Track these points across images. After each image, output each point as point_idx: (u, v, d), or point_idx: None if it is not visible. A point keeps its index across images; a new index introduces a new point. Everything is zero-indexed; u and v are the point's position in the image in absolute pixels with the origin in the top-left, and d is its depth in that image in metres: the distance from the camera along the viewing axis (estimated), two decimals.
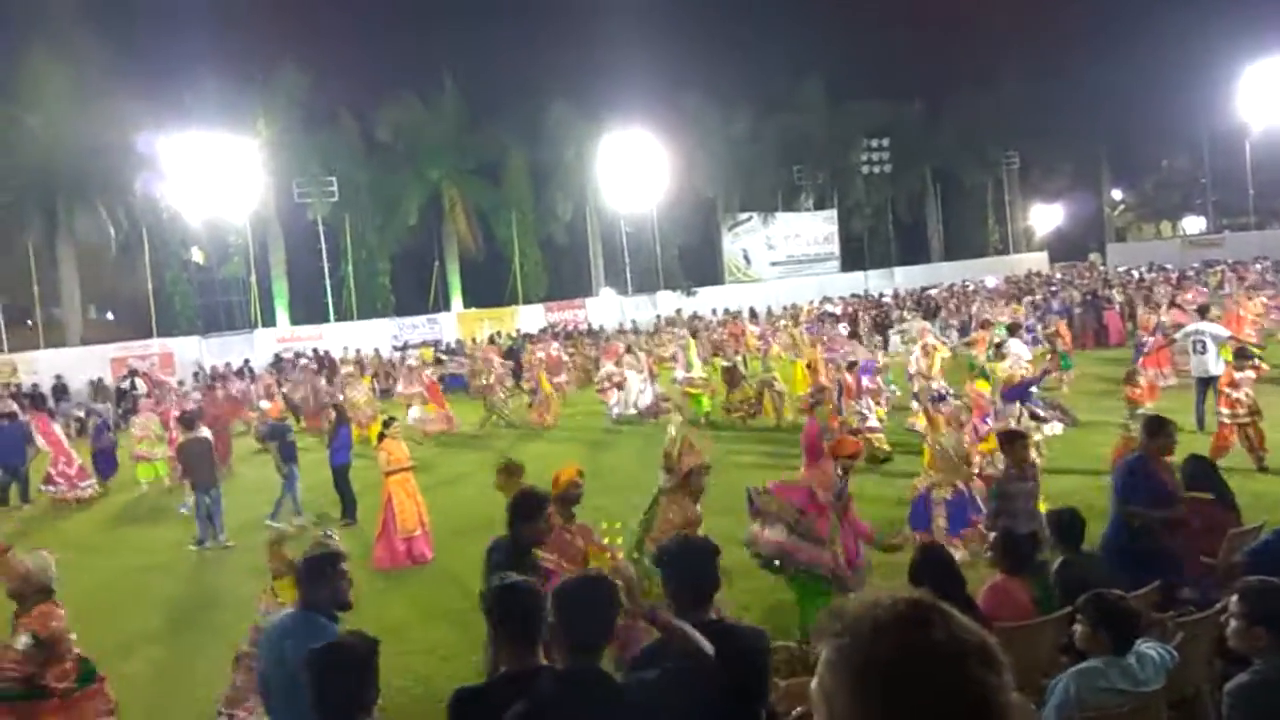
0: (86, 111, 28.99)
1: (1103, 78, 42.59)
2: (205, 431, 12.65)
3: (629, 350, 21.23)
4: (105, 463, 16.89)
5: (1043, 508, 7.10)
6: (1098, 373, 18.83)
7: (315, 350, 31.23)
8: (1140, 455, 6.34)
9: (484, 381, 20.07)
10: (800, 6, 46.23)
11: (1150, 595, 5.14)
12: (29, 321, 33.18)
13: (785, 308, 35.33)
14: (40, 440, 15.62)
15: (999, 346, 14.92)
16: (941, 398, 13.78)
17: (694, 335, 22.62)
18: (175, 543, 12.00)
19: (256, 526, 12.59)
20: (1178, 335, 15.56)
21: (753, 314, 35.03)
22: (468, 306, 38.61)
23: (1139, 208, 57.99)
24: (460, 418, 19.43)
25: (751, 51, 42.95)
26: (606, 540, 6.31)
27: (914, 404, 13.94)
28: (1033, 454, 8.70)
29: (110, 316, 41.47)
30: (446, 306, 38.88)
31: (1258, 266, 31.54)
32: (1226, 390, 10.92)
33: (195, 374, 28.14)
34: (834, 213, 46.77)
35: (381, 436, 10.92)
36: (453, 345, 32.87)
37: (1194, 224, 53.83)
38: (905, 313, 28.80)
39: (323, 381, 22.58)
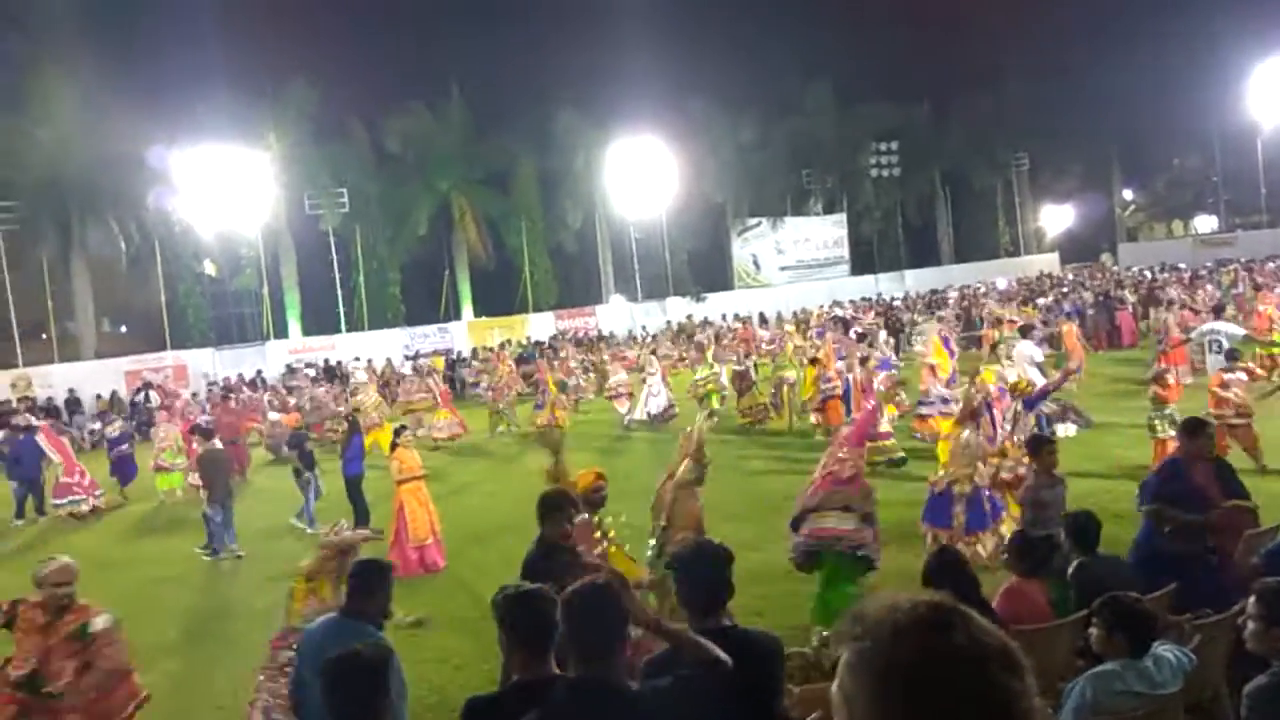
0: (98, 126, 29.24)
1: (1112, 77, 42.44)
2: (217, 443, 12.75)
3: (653, 353, 21.37)
4: (126, 469, 17.06)
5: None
6: (1111, 374, 18.74)
7: (326, 361, 31.39)
8: (1175, 458, 6.23)
9: (491, 384, 20.20)
10: (807, 10, 46.31)
11: (1165, 598, 5.10)
12: (43, 335, 33.43)
13: (795, 313, 35.28)
14: (50, 452, 15.73)
15: (994, 347, 14.88)
16: (945, 402, 13.73)
17: (717, 339, 22.59)
18: (191, 554, 12.05)
19: (270, 535, 12.67)
20: (1193, 334, 15.50)
21: (762, 319, 35.00)
22: (478, 315, 38.72)
23: (1150, 207, 57.69)
24: (470, 425, 19.51)
25: (759, 56, 42.99)
26: (612, 534, 6.37)
27: (921, 409, 13.87)
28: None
29: (124, 330, 41.74)
30: (457, 315, 39.00)
31: (1271, 265, 31.32)
32: (1216, 390, 10.84)
33: (208, 386, 28.26)
34: (843, 216, 46.71)
35: (394, 445, 10.95)
36: (463, 354, 32.96)
37: (1206, 223, 53.54)
38: (916, 315, 28.71)
39: (321, 390, 22.72)
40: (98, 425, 24.80)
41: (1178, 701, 3.98)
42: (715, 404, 17.83)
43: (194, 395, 26.48)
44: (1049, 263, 48.52)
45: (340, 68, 35.54)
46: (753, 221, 44.21)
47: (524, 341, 33.89)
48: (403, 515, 10.31)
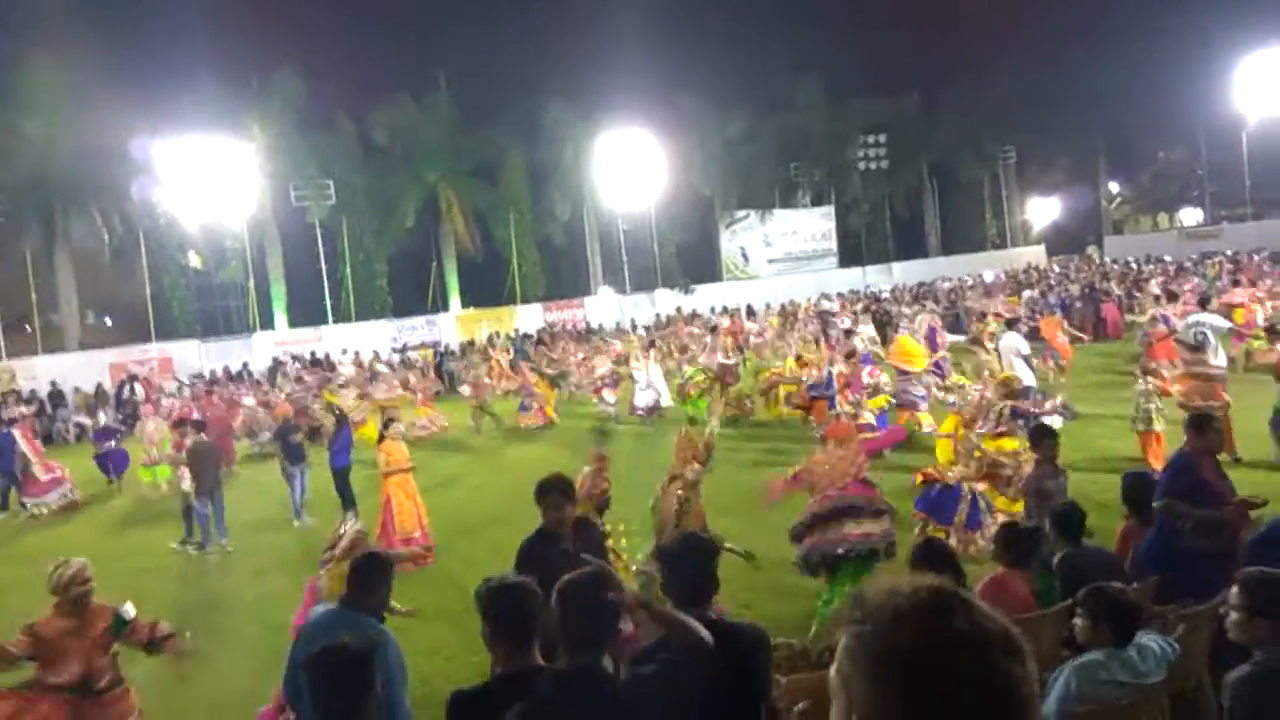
0: (82, 117, 28.96)
1: (1098, 71, 42.59)
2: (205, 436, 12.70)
3: (653, 344, 21.35)
4: (117, 461, 17.02)
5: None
6: (1096, 365, 18.85)
7: (313, 353, 31.25)
8: (1184, 452, 6.15)
9: (472, 380, 20.13)
10: (796, 5, 46.23)
11: (1147, 589, 5.13)
12: (27, 328, 33.16)
13: (784, 304, 35.33)
14: (25, 448, 15.64)
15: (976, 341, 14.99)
16: (923, 397, 13.79)
17: (713, 330, 22.54)
18: (176, 548, 12.01)
19: (257, 528, 12.64)
20: (1179, 326, 15.57)
21: (749, 311, 35.02)
22: (466, 307, 38.58)
23: (1136, 200, 57.99)
24: (451, 420, 19.45)
25: (748, 50, 42.92)
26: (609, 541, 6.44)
27: (921, 403, 13.92)
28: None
29: (108, 322, 41.45)
30: (445, 307, 38.86)
31: (1256, 257, 31.52)
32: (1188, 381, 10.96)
33: (191, 379, 28.04)
34: (831, 209, 46.72)
35: (381, 438, 10.92)
36: (451, 347, 32.86)
37: (1191, 216, 53.85)
38: (904, 307, 28.78)
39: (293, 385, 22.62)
40: (83, 419, 24.72)
41: (1161, 691, 4.01)
42: (703, 408, 17.75)
43: (178, 388, 26.28)
44: (1035, 255, 48.71)
45: (326, 59, 35.32)
46: (741, 214, 44.19)
47: (512, 334, 33.81)
48: (389, 508, 10.30)
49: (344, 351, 30.37)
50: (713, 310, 36.64)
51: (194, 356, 31.16)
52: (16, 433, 15.87)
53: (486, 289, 39.40)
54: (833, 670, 1.22)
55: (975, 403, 9.56)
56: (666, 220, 41.45)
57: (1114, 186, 55.86)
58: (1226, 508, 5.78)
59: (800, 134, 43.61)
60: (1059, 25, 43.91)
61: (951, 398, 11.41)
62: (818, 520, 6.82)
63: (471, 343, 32.33)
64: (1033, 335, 19.31)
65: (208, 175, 31.50)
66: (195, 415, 15.88)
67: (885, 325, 23.95)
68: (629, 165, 38.31)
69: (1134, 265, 34.80)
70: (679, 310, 36.78)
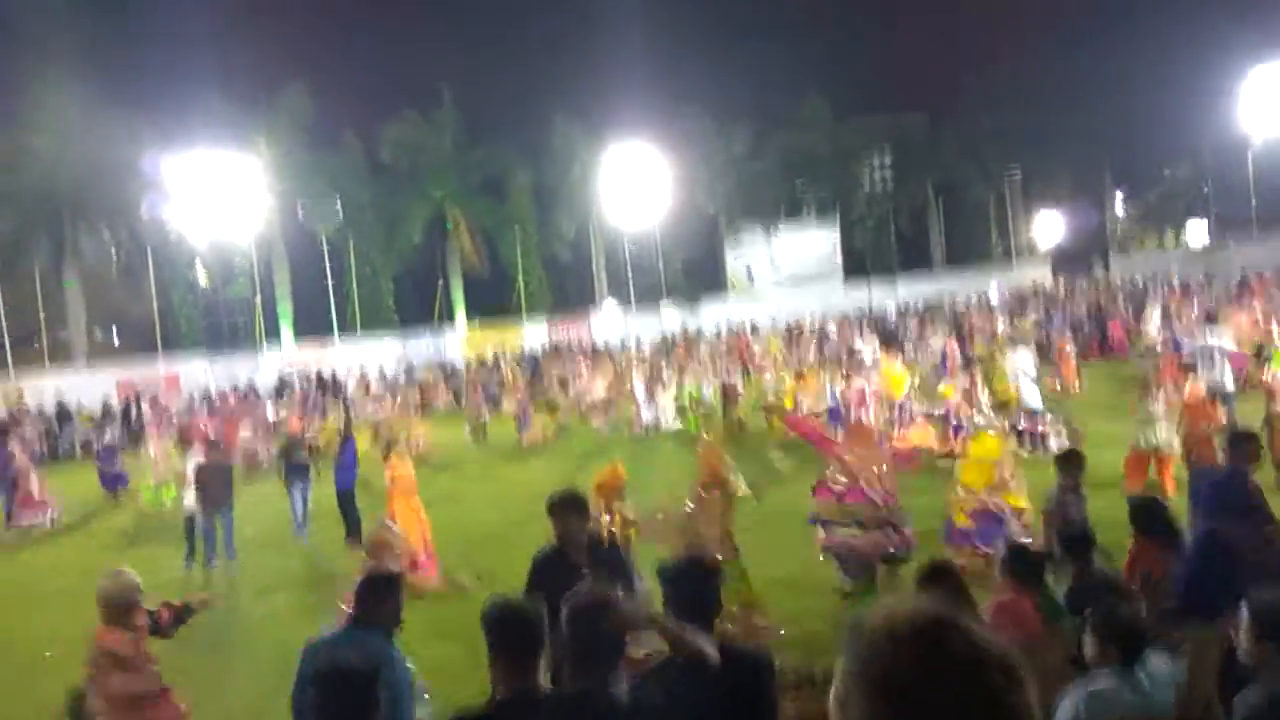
0: (92, 134, 29.20)
1: (1103, 89, 42.66)
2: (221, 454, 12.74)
3: (664, 365, 21.42)
4: (115, 479, 17.06)
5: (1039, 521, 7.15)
6: (1102, 384, 18.77)
7: (319, 370, 31.31)
8: (1235, 468, 6.08)
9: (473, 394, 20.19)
10: (801, 22, 46.50)
11: (1163, 610, 5.09)
12: (35, 344, 33.29)
13: (788, 324, 35.30)
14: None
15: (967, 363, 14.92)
16: (913, 418, 13.72)
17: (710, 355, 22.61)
18: (178, 565, 11.99)
19: (259, 546, 12.60)
20: (1186, 349, 15.54)
21: (753, 329, 35.00)
22: (472, 323, 38.66)
23: (1142, 218, 57.95)
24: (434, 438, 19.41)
25: (753, 67, 43.06)
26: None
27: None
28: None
29: (116, 338, 41.59)
30: (451, 323, 38.94)
31: (1267, 274, 31.35)
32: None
33: (202, 398, 28.08)
34: (836, 226, 46.79)
35: (387, 455, 10.91)
36: (454, 365, 32.87)
37: (1197, 234, 53.77)
38: (908, 327, 28.81)
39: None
40: (90, 436, 24.73)
41: (1170, 714, 3.97)
42: (695, 426, 17.81)
43: (187, 405, 26.29)
44: (1041, 273, 48.69)
45: (334, 77, 35.63)
46: (746, 230, 44.28)
47: (518, 350, 33.86)
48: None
49: (349, 368, 30.42)
50: (718, 327, 36.68)
51: (201, 372, 31.23)
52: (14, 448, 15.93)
53: (492, 305, 39.51)
54: (831, 694, 1.21)
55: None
56: (672, 237, 41.56)
57: (1120, 204, 55.84)
58: (1269, 526, 5.72)
59: (805, 151, 43.75)
60: (1064, 44, 44.05)
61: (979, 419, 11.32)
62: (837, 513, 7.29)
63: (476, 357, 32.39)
64: (1042, 352, 19.33)
65: (216, 192, 31.67)
66: (210, 433, 15.93)
67: (890, 346, 23.94)
68: (635, 182, 38.42)
69: (1140, 283, 34.72)
70: (685, 327, 36.82)
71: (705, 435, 11.01)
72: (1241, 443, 6.21)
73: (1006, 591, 5.25)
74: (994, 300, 36.02)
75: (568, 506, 4.90)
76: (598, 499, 7.17)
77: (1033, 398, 13.36)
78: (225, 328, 38.63)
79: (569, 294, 41.99)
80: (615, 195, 38.82)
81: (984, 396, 12.94)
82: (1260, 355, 14.64)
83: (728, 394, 17.51)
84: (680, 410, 18.58)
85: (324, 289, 36.53)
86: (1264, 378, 11.33)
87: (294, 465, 12.80)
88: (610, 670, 3.03)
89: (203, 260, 35.16)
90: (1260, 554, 5.43)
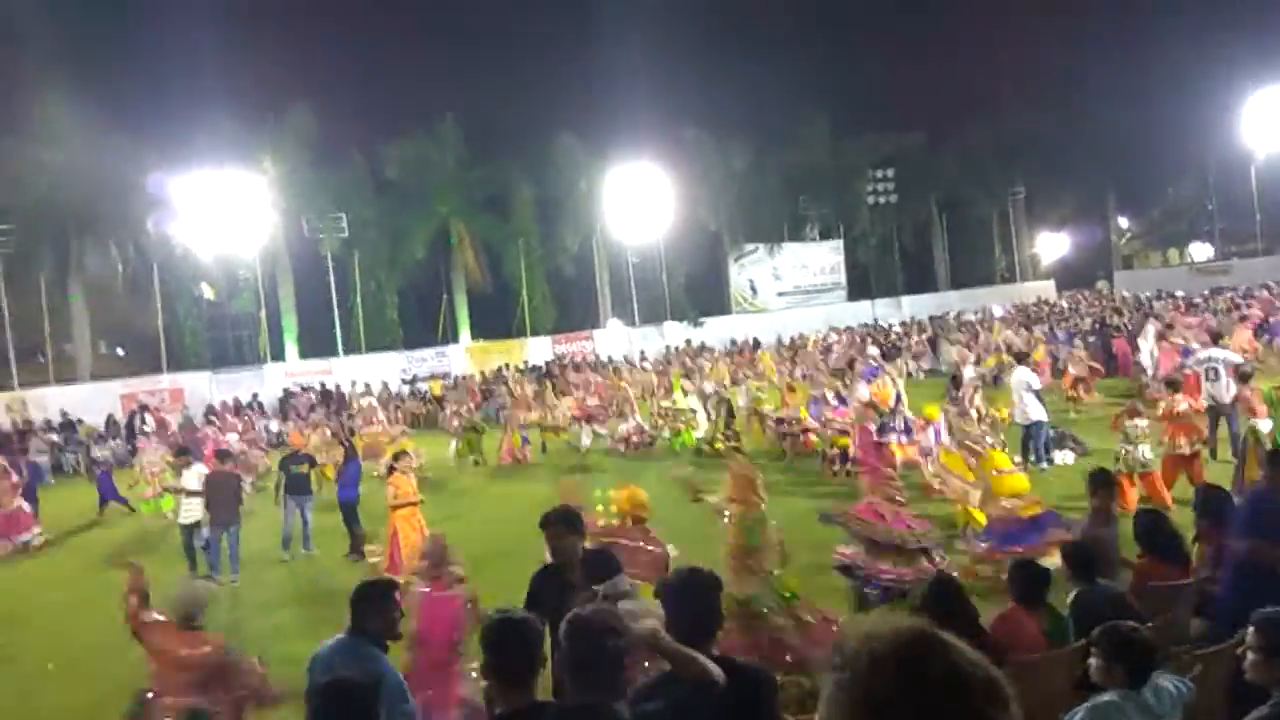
0: (99, 149, 29.34)
1: (1107, 107, 42.84)
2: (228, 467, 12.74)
3: (688, 374, 21.37)
4: (107, 491, 17.08)
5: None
6: (1108, 401, 18.70)
7: (323, 385, 31.34)
8: (1271, 487, 6.03)
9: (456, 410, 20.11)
10: (804, 42, 46.76)
11: (1163, 627, 5.05)
12: (40, 358, 33.36)
13: (793, 338, 35.32)
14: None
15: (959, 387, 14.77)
16: (906, 430, 13.52)
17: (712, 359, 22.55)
18: (179, 577, 11.93)
19: (262, 561, 12.55)
20: (1189, 362, 15.50)
21: (756, 344, 35.00)
22: (475, 339, 38.71)
23: (1146, 235, 57.97)
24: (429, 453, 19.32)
25: (755, 85, 43.31)
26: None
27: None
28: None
29: (120, 352, 41.68)
30: (455, 339, 38.99)
31: (1267, 293, 31.33)
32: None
33: (206, 413, 28.09)
34: (840, 243, 46.85)
35: (391, 470, 10.90)
36: (456, 379, 32.86)
37: (1201, 251, 53.76)
38: (913, 341, 28.80)
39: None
40: (94, 449, 24.75)
41: None
42: (689, 439, 17.81)
43: (188, 419, 26.28)
44: (1045, 289, 48.69)
45: (339, 95, 35.92)
46: (749, 247, 44.33)
47: (522, 365, 33.86)
48: (396, 541, 10.25)
49: (354, 383, 30.44)
50: (720, 342, 36.68)
51: (205, 387, 31.25)
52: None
53: (496, 321, 39.56)
54: (817, 714, 1.20)
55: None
56: (675, 253, 41.63)
57: (1124, 222, 55.87)
58: None
59: (808, 168, 43.83)
60: (1067, 60, 44.28)
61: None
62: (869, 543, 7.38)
63: (481, 372, 32.42)
64: (1052, 370, 19.33)
65: (222, 208, 31.78)
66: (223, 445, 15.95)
67: (894, 358, 23.93)
68: (638, 199, 38.52)
69: (1145, 300, 34.67)
70: (688, 342, 36.84)
71: (721, 449, 11.01)
72: (1276, 460, 6.17)
73: (1010, 605, 5.23)
74: (997, 316, 35.99)
75: (560, 522, 4.90)
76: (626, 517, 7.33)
77: (1038, 413, 13.29)
78: (230, 343, 38.72)
79: (572, 310, 42.03)
80: (618, 212, 38.92)
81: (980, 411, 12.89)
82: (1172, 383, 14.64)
83: (727, 407, 17.55)
84: (671, 421, 18.59)
85: (328, 304, 36.61)
86: (1244, 393, 11.35)
87: (294, 479, 12.73)
88: (612, 685, 3.01)
89: (208, 276, 35.26)
90: None
